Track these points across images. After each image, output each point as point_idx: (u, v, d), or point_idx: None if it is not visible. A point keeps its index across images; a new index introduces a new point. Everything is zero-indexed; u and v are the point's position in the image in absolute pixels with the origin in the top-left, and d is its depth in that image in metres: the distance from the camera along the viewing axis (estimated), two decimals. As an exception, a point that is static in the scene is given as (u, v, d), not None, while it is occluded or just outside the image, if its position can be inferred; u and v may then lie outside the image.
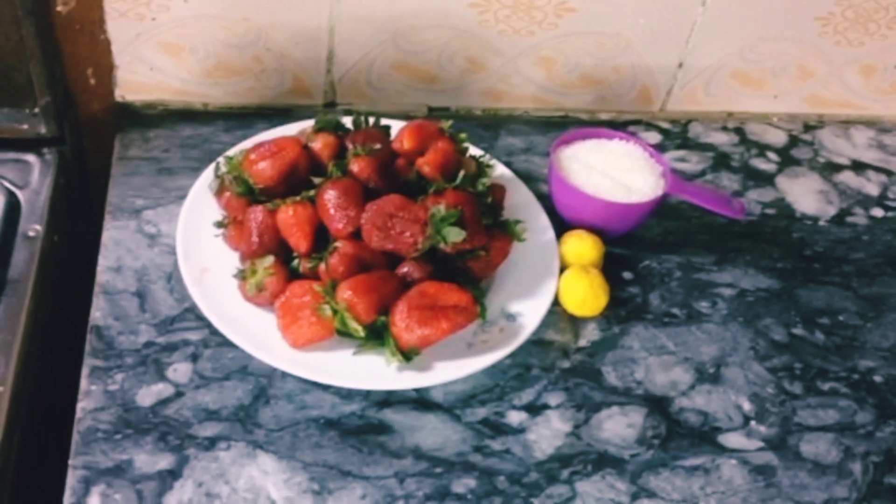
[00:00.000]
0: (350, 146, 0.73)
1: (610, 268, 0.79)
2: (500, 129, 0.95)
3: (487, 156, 0.82)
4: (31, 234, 0.75)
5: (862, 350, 0.78)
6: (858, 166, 0.99)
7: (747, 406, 0.71)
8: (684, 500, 0.64)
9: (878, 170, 0.99)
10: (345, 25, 0.86)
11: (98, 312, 0.69)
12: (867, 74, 1.01)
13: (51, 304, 0.73)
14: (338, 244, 0.68)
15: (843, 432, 0.71)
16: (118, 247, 0.74)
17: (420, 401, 0.68)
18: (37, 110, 0.79)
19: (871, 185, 0.96)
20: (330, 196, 0.68)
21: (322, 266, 0.67)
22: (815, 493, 0.66)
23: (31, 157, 0.81)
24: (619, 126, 0.97)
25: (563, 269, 0.76)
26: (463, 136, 0.78)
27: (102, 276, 0.72)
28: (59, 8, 0.79)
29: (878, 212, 0.93)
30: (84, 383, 0.65)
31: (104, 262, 0.73)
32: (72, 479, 0.59)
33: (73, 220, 0.83)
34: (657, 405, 0.70)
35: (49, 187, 0.79)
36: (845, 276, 0.85)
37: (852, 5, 0.93)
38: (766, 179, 0.95)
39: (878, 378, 0.76)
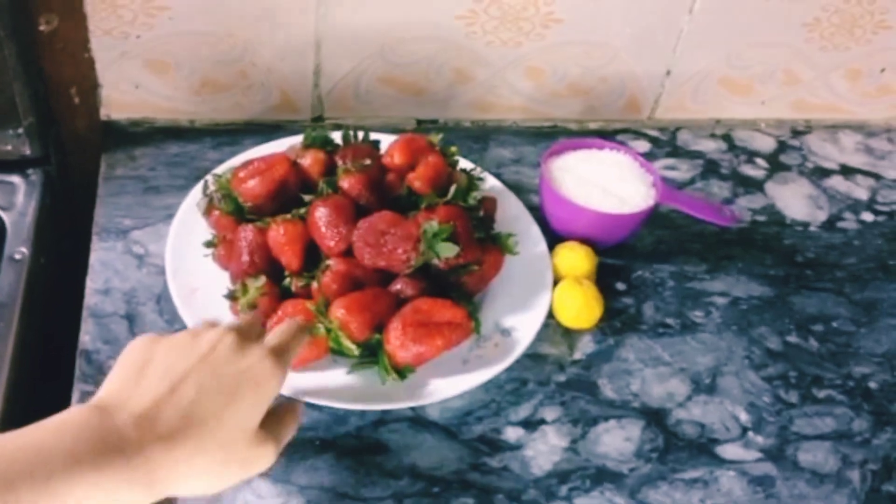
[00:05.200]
0: (340, 162, 0.72)
1: (603, 278, 0.78)
2: (489, 140, 0.94)
3: (478, 168, 0.81)
4: (18, 256, 0.74)
5: (856, 356, 0.78)
6: (847, 171, 0.99)
7: (744, 416, 0.71)
8: (684, 514, 0.64)
9: (866, 174, 0.99)
10: (331, 39, 0.85)
11: (87, 336, 0.68)
12: (853, 79, 1.01)
13: (39, 328, 0.72)
14: (330, 262, 0.67)
15: (841, 440, 0.71)
16: (106, 268, 0.73)
17: (416, 419, 0.67)
18: (21, 131, 0.78)
19: (860, 190, 0.97)
20: (321, 214, 0.68)
21: (314, 285, 0.67)
22: (814, 503, 0.66)
23: (15, 179, 0.80)
24: (608, 135, 0.97)
25: (556, 281, 0.76)
26: (453, 149, 0.77)
27: (90, 298, 0.71)
28: (42, 27, 0.79)
29: (868, 216, 0.93)
30: (74, 409, 0.64)
31: (92, 284, 0.72)
32: (64, 508, 0.58)
33: (60, 241, 0.81)
34: (654, 417, 0.70)
35: (35, 209, 0.78)
36: (837, 281, 0.85)
37: (838, 10, 0.93)
38: (755, 186, 0.95)
39: (873, 384, 0.76)
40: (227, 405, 0.48)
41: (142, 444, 0.45)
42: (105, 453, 0.44)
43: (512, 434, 0.67)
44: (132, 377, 0.49)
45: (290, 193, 0.71)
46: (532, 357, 0.72)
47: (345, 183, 0.70)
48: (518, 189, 0.85)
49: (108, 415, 0.46)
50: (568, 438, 0.67)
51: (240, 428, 0.49)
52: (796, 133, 1.03)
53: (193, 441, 0.46)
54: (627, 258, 0.83)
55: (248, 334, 0.53)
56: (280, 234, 0.68)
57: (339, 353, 0.65)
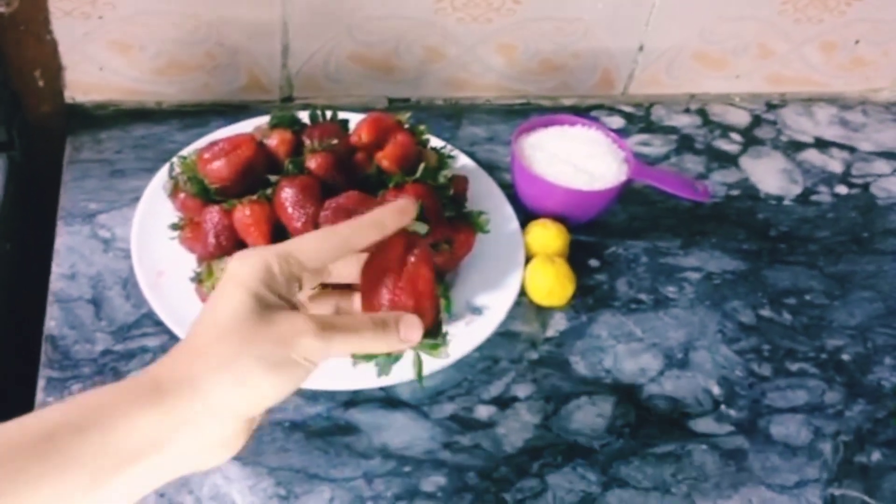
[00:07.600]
0: (307, 142, 0.71)
1: (576, 256, 0.78)
2: (462, 118, 0.93)
3: (448, 147, 0.80)
4: (-18, 243, 0.73)
5: (829, 329, 0.78)
6: (821, 144, 0.99)
7: (716, 390, 0.71)
8: (656, 488, 0.64)
9: (841, 147, 0.99)
10: (299, 18, 0.84)
11: (52, 321, 0.67)
12: (828, 51, 1.01)
13: (5, 315, 0.71)
14: (297, 243, 0.66)
15: (813, 413, 0.71)
16: (71, 253, 0.72)
17: (387, 399, 0.66)
18: (-17, 116, 0.77)
19: (834, 163, 0.96)
20: (287, 194, 0.67)
21: (281, 266, 0.66)
22: (786, 476, 0.66)
23: (-22, 164, 0.79)
24: (583, 111, 0.96)
25: (528, 259, 0.75)
26: (422, 128, 0.76)
27: (56, 283, 0.70)
28: (2, 9, 0.77)
29: (842, 189, 0.93)
30: (40, 396, 0.63)
31: (57, 269, 0.71)
32: (29, 495, 0.57)
33: (26, 227, 0.80)
34: (626, 393, 0.70)
35: (-1, 194, 0.77)
36: (811, 255, 0.85)
37: (810, -18, 0.92)
38: (729, 160, 0.94)
39: (845, 356, 0.76)
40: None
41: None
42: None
43: (484, 412, 0.67)
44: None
45: (256, 174, 0.70)
46: (504, 335, 0.72)
47: (312, 163, 0.69)
48: (491, 167, 0.84)
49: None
50: (540, 415, 0.67)
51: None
52: (771, 107, 1.03)
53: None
54: (600, 235, 0.82)
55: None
56: (246, 215, 0.67)
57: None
